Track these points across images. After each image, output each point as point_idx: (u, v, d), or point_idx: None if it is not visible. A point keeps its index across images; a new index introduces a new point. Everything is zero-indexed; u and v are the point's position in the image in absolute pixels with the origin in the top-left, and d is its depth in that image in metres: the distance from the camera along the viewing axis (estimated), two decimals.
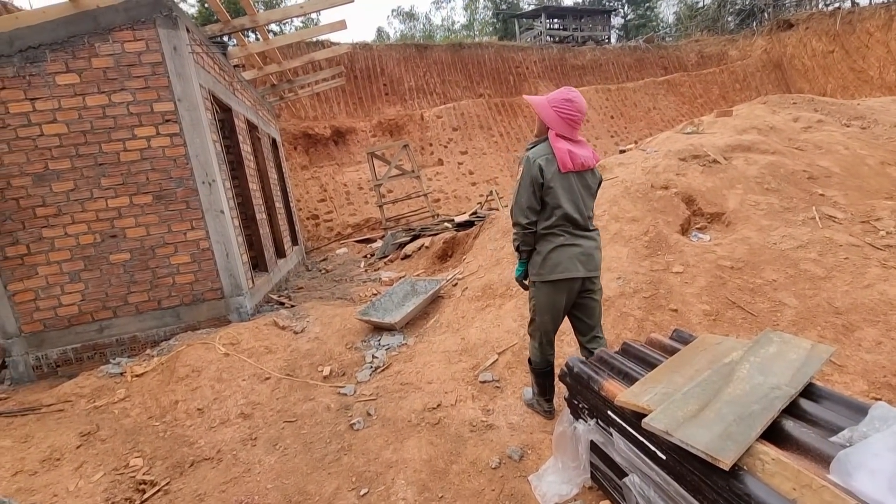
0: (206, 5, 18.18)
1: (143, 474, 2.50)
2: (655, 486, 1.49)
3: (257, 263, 5.74)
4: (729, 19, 25.14)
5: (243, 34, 5.93)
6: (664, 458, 1.44)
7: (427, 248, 6.80)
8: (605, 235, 4.26)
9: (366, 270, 7.27)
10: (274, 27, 20.76)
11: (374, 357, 3.64)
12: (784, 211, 4.43)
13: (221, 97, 5.01)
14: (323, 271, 7.69)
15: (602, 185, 5.39)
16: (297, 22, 22.32)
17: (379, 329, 4.09)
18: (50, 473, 2.49)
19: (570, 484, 1.99)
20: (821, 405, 1.44)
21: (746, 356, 1.65)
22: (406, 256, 7.05)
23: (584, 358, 2.10)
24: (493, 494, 2.11)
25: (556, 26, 26.87)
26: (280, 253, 6.80)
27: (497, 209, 8.25)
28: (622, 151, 6.92)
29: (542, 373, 2.56)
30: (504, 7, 33.28)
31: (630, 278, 3.65)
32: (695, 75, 18.89)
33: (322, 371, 3.48)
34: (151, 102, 4.04)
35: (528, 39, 25.64)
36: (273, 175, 7.32)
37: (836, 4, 20.91)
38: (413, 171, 10.19)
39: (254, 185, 5.85)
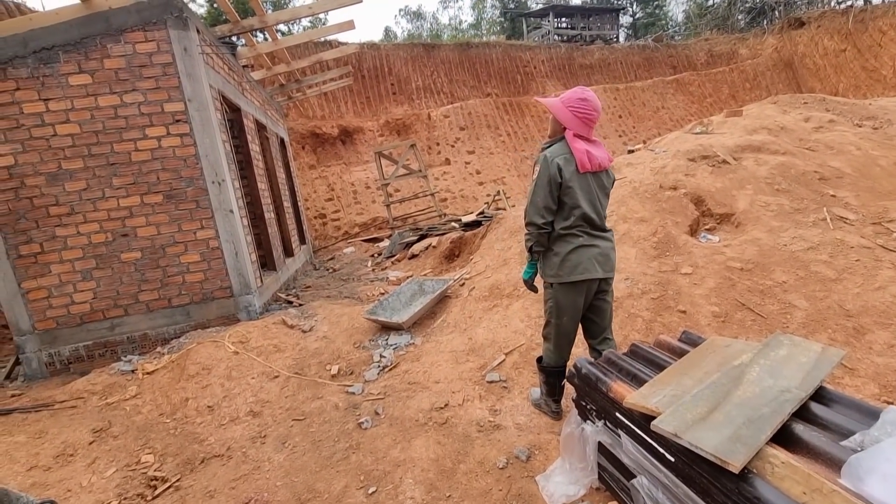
0: (215, 6, 18.32)
1: (155, 471, 2.53)
2: (664, 488, 1.49)
3: (266, 262, 5.79)
4: (739, 17, 24.91)
5: (252, 34, 5.98)
6: (673, 460, 1.44)
7: (434, 247, 6.81)
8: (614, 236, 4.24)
9: (373, 270, 7.30)
10: (282, 27, 20.89)
11: (381, 356, 3.66)
12: (794, 212, 4.39)
13: (231, 97, 5.05)
14: (330, 270, 7.73)
15: None
16: (306, 22, 22.41)
17: (386, 328, 4.10)
18: (63, 469, 2.54)
19: (577, 485, 1.99)
20: (832, 409, 1.43)
21: (756, 359, 1.64)
22: (413, 256, 7.07)
23: (592, 359, 2.10)
24: (501, 494, 2.12)
25: (565, 25, 26.75)
26: (288, 252, 6.85)
27: (504, 209, 8.24)
28: (631, 151, 6.89)
29: (555, 373, 2.55)
30: (512, 6, 33.19)
31: (638, 279, 3.64)
32: (704, 74, 18.73)
33: (330, 370, 3.51)
34: (162, 103, 4.08)
35: (536, 38, 25.56)
36: (281, 174, 7.37)
37: (849, 2, 20.65)
38: (420, 171, 10.21)
39: (262, 185, 5.90)
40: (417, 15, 39.50)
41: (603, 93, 16.94)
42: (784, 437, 1.31)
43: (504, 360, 3.26)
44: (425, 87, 16.80)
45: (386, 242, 9.36)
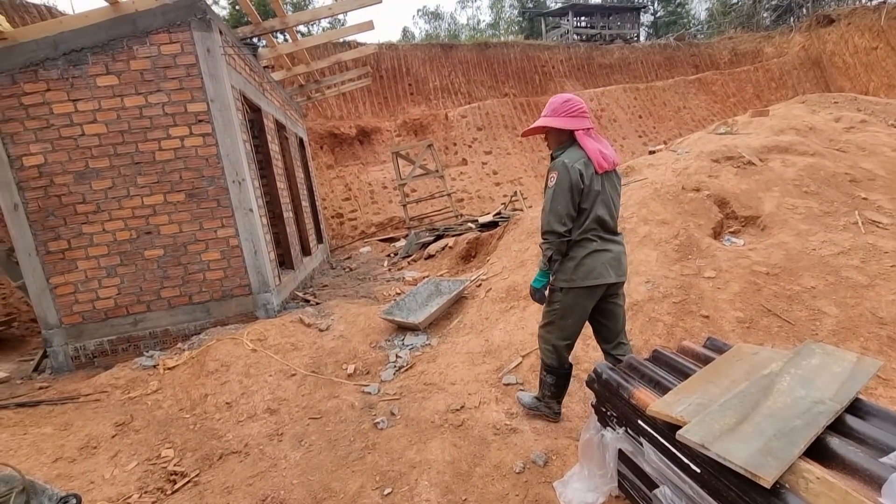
0: (237, 7, 18.64)
1: (174, 465, 2.57)
2: (688, 499, 1.44)
3: (284, 261, 5.85)
4: (765, 15, 24.28)
5: (273, 36, 6.05)
6: (699, 471, 1.39)
7: (450, 248, 6.79)
8: (633, 238, 4.16)
9: (389, 269, 7.32)
10: (302, 28, 21.12)
11: (397, 356, 3.66)
12: (824, 215, 4.24)
13: (252, 98, 5.11)
14: (347, 269, 7.78)
15: (630, 186, 5.28)
16: (325, 23, 22.63)
17: (403, 328, 4.10)
18: (87, 461, 2.59)
19: (596, 492, 1.95)
20: (868, 422, 1.36)
21: (787, 368, 1.58)
22: (429, 256, 7.06)
23: (612, 364, 2.05)
24: (518, 499, 2.09)
25: (584, 24, 26.45)
26: (306, 251, 6.91)
27: (521, 210, 8.18)
28: (652, 152, 6.76)
29: (562, 374, 2.52)
30: (530, 5, 32.97)
31: (659, 282, 3.56)
32: (727, 73, 18.30)
33: (346, 369, 3.52)
34: (185, 103, 4.16)
35: (555, 38, 25.33)
36: (300, 174, 7.44)
37: None
38: (437, 171, 10.21)
39: (281, 184, 5.96)
40: (435, 15, 39.54)
41: (623, 92, 16.69)
42: (818, 452, 1.25)
43: (521, 362, 3.22)
44: (443, 87, 16.80)
45: (402, 242, 9.38)
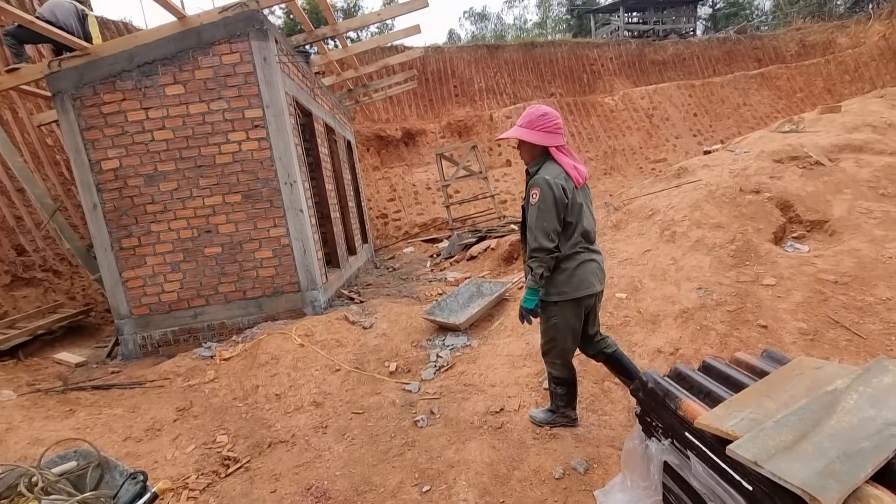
0: (291, 16, 19.47)
1: (228, 450, 2.73)
2: None
3: (330, 260, 6.05)
4: (838, 3, 22.45)
5: (324, 42, 6.28)
6: (751, 489, 1.32)
7: (493, 249, 6.77)
8: (684, 242, 3.99)
9: (431, 270, 7.40)
10: (351, 34, 21.75)
11: (438, 356, 3.70)
12: None
13: (303, 103, 5.34)
14: (390, 269, 7.94)
15: (683, 188, 5.05)
16: (373, 28, 23.20)
17: (444, 329, 4.14)
18: (152, 442, 2.81)
19: None
20: None
21: (854, 385, 1.46)
22: (472, 257, 7.08)
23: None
24: None
25: (636, 20, 25.53)
26: (351, 250, 7.11)
27: None
28: (707, 152, 6.44)
29: (573, 382, 2.54)
30: (579, 2, 32.24)
31: (713, 289, 3.39)
32: (794, 67, 17.07)
33: (388, 366, 3.60)
34: (243, 109, 4.40)
35: (605, 35, 24.62)
36: (347, 176, 7.68)
37: None
38: (481, 172, 10.20)
39: (329, 186, 6.18)
40: (482, 16, 39.47)
41: (676, 89, 15.98)
42: (888, 477, 1.16)
43: None
44: (488, 88, 16.77)
45: (445, 243, 9.45)
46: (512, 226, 7.89)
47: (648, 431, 1.86)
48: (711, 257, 3.75)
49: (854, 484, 1.10)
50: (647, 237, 4.37)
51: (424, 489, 2.25)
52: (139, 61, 4.28)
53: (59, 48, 4.61)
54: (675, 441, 1.70)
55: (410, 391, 3.23)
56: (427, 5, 5.55)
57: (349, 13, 22.81)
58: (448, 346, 3.87)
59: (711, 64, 18.77)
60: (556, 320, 2.34)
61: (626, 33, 23.76)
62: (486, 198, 10.79)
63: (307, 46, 6.29)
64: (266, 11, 4.54)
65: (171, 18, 4.26)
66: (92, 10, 5.04)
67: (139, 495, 1.49)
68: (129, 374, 4.00)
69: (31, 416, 2.94)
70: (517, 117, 13.69)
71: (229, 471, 2.56)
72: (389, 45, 14.60)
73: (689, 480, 1.61)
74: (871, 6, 20.46)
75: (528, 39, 21.38)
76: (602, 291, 2.41)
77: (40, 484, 1.46)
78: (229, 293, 4.63)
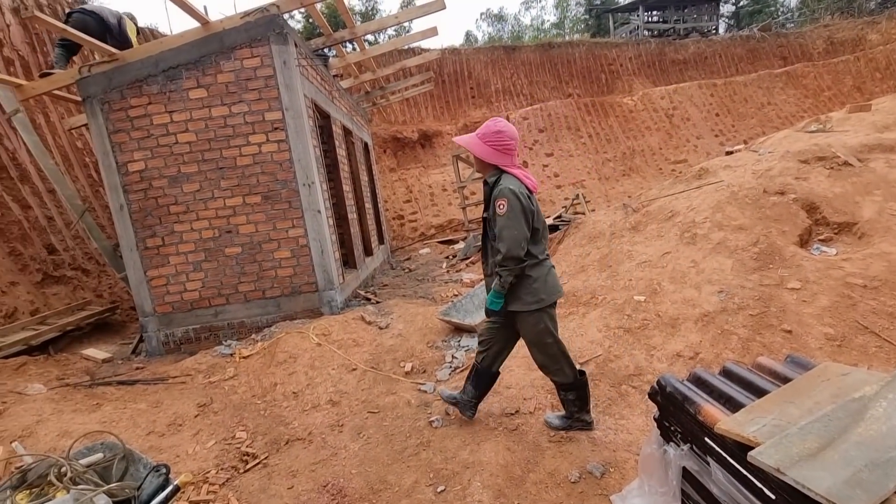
0: (310, 20, 19.75)
1: (247, 446, 2.78)
2: None
3: (347, 260, 6.11)
4: None
5: (342, 45, 6.35)
6: (773, 497, 1.29)
7: None
8: (705, 245, 3.91)
9: (447, 271, 7.41)
10: (369, 37, 21.94)
11: (453, 357, 3.70)
12: None
13: (322, 105, 5.41)
14: (406, 270, 7.97)
15: (704, 189, 4.96)
16: (390, 31, 23.37)
17: (459, 330, 4.14)
18: (174, 436, 2.88)
19: None
20: None
21: (883, 392, 1.41)
22: None
23: (678, 377, 1.95)
24: None
25: (656, 19, 25.15)
26: (368, 251, 7.17)
27: (583, 213, 7.94)
28: (729, 153, 6.30)
29: (580, 384, 2.51)
30: (598, 2, 31.89)
31: (735, 292, 3.32)
32: (822, 65, 16.58)
33: (404, 367, 3.61)
34: (263, 112, 4.49)
35: (624, 35, 24.31)
36: (364, 177, 7.75)
37: None
38: None
39: (347, 187, 6.24)
40: (499, 17, 39.38)
41: (698, 89, 15.68)
42: None
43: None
44: (504, 89, 16.73)
45: (461, 244, 9.45)
46: None
47: (667, 436, 1.83)
48: (733, 260, 3.67)
49: (883, 495, 1.06)
50: (666, 239, 4.30)
51: (439, 489, 2.25)
52: (164, 66, 4.40)
53: (103, 36, 4.69)
54: (694, 446, 1.67)
55: (426, 391, 3.24)
56: (444, 7, 5.57)
57: (367, 16, 23.01)
58: (464, 347, 3.86)
59: (734, 63, 18.37)
60: (542, 325, 2.39)
61: (645, 32, 23.42)
62: None
63: (326, 50, 6.38)
64: (285, 15, 4.62)
65: (194, 24, 4.37)
66: (134, 18, 5.19)
67: (161, 488, 1.53)
68: (152, 370, 4.10)
69: (60, 409, 3.04)
70: (534, 118, 13.59)
71: (248, 466, 2.61)
72: (406, 47, 14.68)
73: (708, 487, 1.58)
74: None
75: (546, 40, 21.25)
76: None
77: (69, 474, 1.52)
78: (249, 292, 4.71)
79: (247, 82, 4.44)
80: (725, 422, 1.45)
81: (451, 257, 8.59)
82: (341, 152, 6.23)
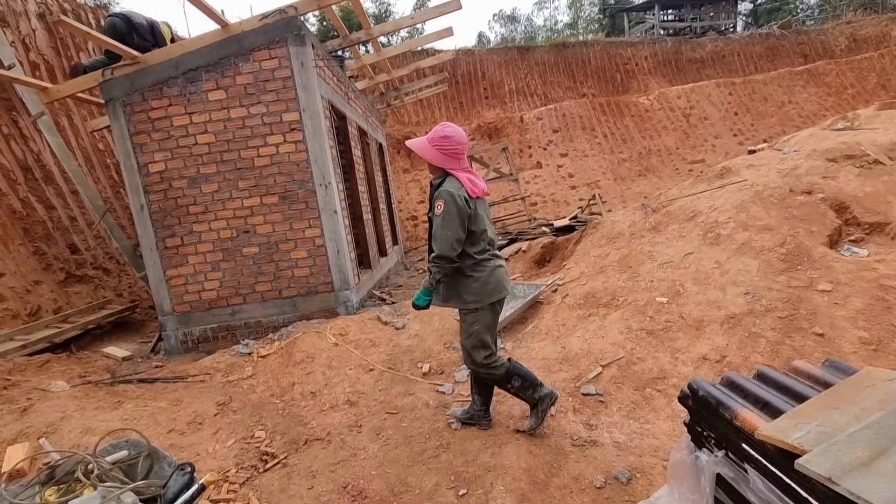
0: (324, 22, 19.91)
1: (266, 446, 2.78)
2: None
3: (362, 260, 6.11)
4: None
5: (357, 47, 6.37)
6: None
7: (524, 251, 6.67)
8: (729, 245, 3.82)
9: None
10: (383, 38, 22.06)
11: None
12: None
13: (338, 106, 5.42)
14: (421, 271, 7.95)
15: (727, 189, 4.85)
16: (404, 32, 23.45)
17: None
18: (194, 435, 2.89)
19: None
20: None
21: None
22: None
23: (711, 382, 1.88)
24: None
25: (671, 17, 24.84)
26: (382, 251, 7.17)
27: (600, 213, 7.84)
28: (752, 151, 6.16)
29: (520, 372, 2.58)
30: (612, 1, 31.59)
31: (762, 294, 3.22)
32: (844, 62, 16.18)
33: (421, 367, 3.58)
34: (281, 113, 4.51)
35: (639, 34, 24.05)
36: (379, 178, 7.76)
37: None
38: (511, 174, 10.12)
39: (362, 188, 6.25)
40: (511, 18, 39.28)
41: (715, 88, 15.42)
42: None
43: (601, 372, 3.08)
44: (518, 89, 16.66)
45: None
46: (543, 228, 7.78)
47: (699, 442, 1.77)
48: (759, 261, 3.57)
49: None
50: (688, 240, 4.20)
51: (461, 493, 2.21)
52: (184, 68, 4.44)
53: (129, 35, 4.70)
54: (729, 453, 1.60)
55: (444, 393, 3.21)
56: (461, 7, 5.55)
57: (380, 18, 23.12)
58: None
59: (753, 61, 18.05)
60: (477, 326, 2.48)
61: (661, 31, 23.13)
62: (516, 200, 10.69)
63: (341, 51, 6.40)
64: (302, 17, 4.64)
65: (213, 27, 4.41)
66: (169, 25, 5.22)
67: (187, 486, 1.52)
68: (171, 368, 4.14)
69: (82, 406, 3.07)
70: (548, 119, 13.53)
71: (267, 466, 2.60)
72: (420, 48, 14.71)
73: (745, 495, 1.51)
74: None
75: (560, 40, 21.13)
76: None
77: (96, 472, 1.52)
78: (266, 292, 4.73)
79: (265, 84, 4.47)
80: (766, 428, 1.39)
81: None
82: (357, 153, 6.24)
